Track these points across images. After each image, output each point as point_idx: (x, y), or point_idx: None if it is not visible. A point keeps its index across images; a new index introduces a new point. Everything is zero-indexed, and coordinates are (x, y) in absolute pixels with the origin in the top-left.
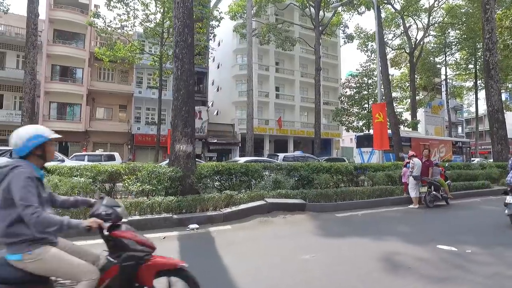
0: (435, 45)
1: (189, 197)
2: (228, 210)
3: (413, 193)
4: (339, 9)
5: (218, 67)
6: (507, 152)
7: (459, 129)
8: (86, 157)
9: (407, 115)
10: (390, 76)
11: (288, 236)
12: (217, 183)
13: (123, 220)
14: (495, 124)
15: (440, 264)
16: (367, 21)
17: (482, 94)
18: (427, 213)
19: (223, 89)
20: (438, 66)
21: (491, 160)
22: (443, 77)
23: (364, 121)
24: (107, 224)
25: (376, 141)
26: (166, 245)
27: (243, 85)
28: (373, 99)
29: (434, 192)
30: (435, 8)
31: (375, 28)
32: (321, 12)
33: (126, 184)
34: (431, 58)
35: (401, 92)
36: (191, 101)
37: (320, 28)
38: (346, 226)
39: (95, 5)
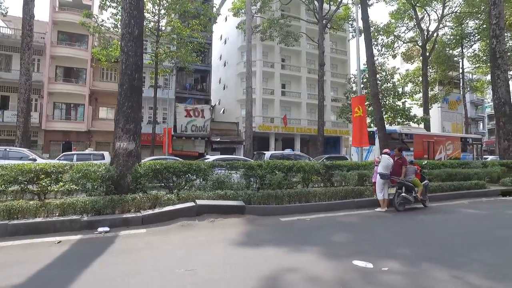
0: (451, 36)
1: (107, 198)
2: (149, 212)
3: (380, 195)
4: (346, 1)
5: (225, 65)
6: None
7: (480, 125)
8: (75, 156)
9: (420, 111)
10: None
11: (197, 243)
12: (160, 182)
13: None
14: (501, 118)
15: (330, 286)
16: (377, 14)
17: None
18: (390, 218)
19: (229, 87)
20: (455, 59)
21: None
22: (461, 70)
23: (371, 118)
24: None
25: (354, 137)
26: (53, 250)
27: None
28: (381, 95)
29: (403, 194)
30: None
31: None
32: (327, 6)
33: (44, 184)
34: (448, 51)
35: (414, 86)
36: (135, 96)
37: (324, 22)
38: (279, 233)
39: (99, 5)
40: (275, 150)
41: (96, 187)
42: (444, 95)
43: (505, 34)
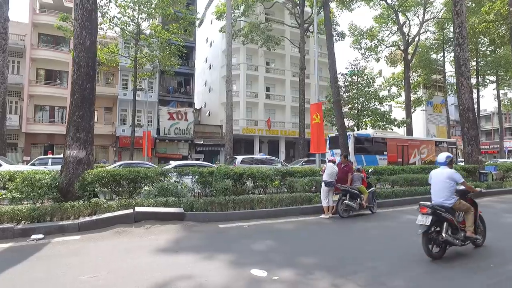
0: (433, 41)
1: (45, 205)
2: (86, 219)
3: (324, 202)
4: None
5: (210, 67)
6: (477, 154)
7: None
8: (50, 160)
9: (404, 114)
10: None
11: (123, 250)
12: (110, 189)
13: None
14: (465, 124)
15: None
16: (360, 18)
17: (486, 91)
18: (327, 226)
19: (214, 90)
20: (439, 62)
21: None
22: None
23: (354, 121)
24: None
25: (312, 144)
26: None
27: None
28: (363, 98)
29: (346, 201)
30: (430, 1)
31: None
32: (309, 10)
33: None
34: (430, 54)
35: (398, 90)
36: (86, 106)
37: (305, 26)
38: (207, 240)
39: None
40: (259, 152)
41: (42, 194)
42: (428, 98)
43: (483, 39)
